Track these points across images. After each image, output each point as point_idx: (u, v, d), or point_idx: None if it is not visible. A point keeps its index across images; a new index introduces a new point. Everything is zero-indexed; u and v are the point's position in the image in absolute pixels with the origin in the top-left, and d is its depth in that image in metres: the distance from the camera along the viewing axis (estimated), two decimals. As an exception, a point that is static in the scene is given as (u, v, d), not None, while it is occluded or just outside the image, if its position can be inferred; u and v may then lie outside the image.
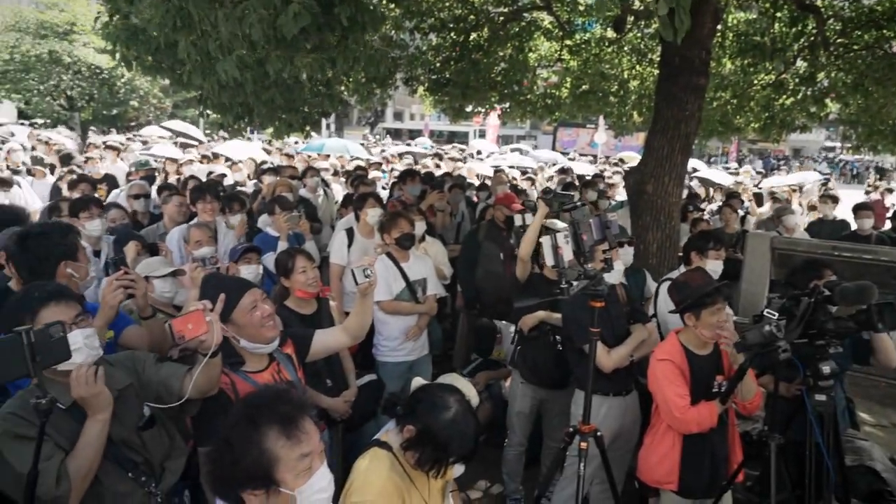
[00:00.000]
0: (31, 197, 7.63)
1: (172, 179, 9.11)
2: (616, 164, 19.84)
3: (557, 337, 4.18)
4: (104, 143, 13.57)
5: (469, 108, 11.03)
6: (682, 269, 4.46)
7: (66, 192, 6.86)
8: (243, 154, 12.67)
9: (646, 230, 6.00)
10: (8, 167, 9.43)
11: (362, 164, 13.17)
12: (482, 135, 36.72)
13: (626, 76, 10.83)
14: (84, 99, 26.11)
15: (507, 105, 11.24)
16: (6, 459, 2.07)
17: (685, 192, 9.08)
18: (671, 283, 3.53)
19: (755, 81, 9.92)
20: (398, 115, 50.12)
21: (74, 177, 7.62)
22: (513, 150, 24.98)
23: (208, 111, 7.50)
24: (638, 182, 6.08)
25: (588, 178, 11.49)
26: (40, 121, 24.37)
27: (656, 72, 7.00)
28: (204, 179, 8.36)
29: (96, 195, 6.39)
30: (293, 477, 1.66)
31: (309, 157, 14.99)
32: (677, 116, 5.82)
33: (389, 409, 2.47)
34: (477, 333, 5.82)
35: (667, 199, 5.95)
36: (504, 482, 4.71)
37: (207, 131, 23.55)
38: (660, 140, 5.92)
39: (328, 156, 15.36)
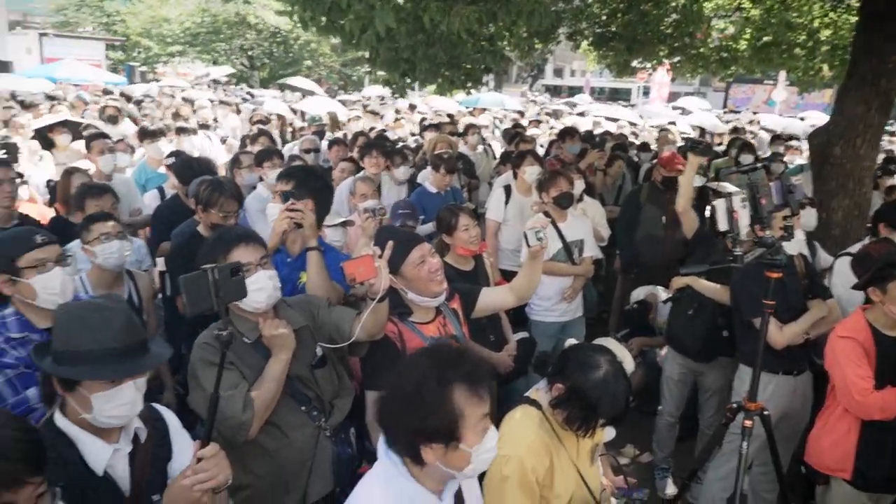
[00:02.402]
0: (218, 150, 8.37)
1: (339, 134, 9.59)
2: (751, 123, 17.82)
3: (695, 305, 4.02)
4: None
5: (635, 64, 10.51)
6: (867, 241, 4.03)
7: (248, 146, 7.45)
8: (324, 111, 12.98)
9: (830, 197, 5.47)
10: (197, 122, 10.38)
11: (519, 119, 13.06)
12: (646, 92, 34.94)
13: (816, 25, 9.75)
14: (263, 59, 27.93)
15: (677, 59, 10.57)
16: (200, 383, 2.33)
17: (880, 157, 8.12)
18: (853, 257, 3.20)
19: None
20: (558, 72, 48.94)
21: (255, 130, 8.23)
22: (675, 108, 23.42)
23: (375, 69, 7.74)
24: (823, 144, 5.53)
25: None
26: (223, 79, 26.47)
27: (854, 19, 6.25)
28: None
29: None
30: (473, 435, 1.70)
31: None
32: (877, 70, 5.18)
33: (540, 367, 2.47)
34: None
35: (858, 162, 5.36)
36: (653, 451, 4.60)
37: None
38: (853, 97, 5.32)
39: (484, 110, 15.37)
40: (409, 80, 7.52)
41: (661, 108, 22.93)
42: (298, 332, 2.48)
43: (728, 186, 3.53)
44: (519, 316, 4.81)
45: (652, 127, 15.36)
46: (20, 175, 4.72)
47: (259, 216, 4.63)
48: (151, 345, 1.88)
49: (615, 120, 15.46)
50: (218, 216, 3.73)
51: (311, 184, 3.21)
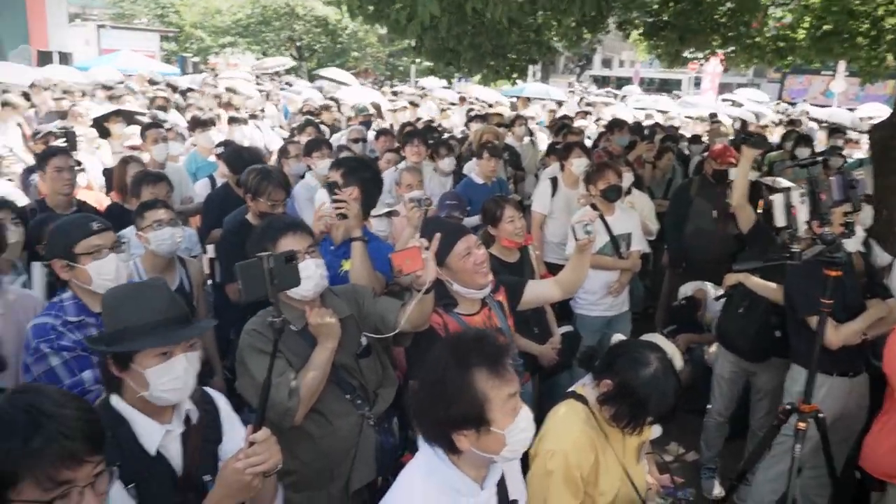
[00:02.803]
0: (269, 138, 8.50)
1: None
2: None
3: (746, 303, 3.92)
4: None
5: (687, 54, 10.23)
6: None
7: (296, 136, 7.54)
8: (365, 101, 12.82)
9: (892, 193, 5.23)
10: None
11: (557, 110, 12.88)
12: (698, 83, 34.14)
13: (880, 13, 9.33)
14: (311, 49, 28.20)
15: (731, 49, 10.24)
16: (248, 369, 2.37)
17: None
18: None
19: None
20: (606, 62, 48.17)
21: (303, 121, 8.33)
22: (725, 100, 22.69)
23: (420, 58, 7.74)
24: (886, 138, 5.29)
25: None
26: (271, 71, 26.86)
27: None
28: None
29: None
30: (502, 416, 1.69)
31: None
32: (946, 60, 4.92)
33: (586, 362, 2.44)
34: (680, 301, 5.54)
35: (924, 157, 5.12)
36: (700, 450, 4.51)
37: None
38: (921, 88, 5.06)
39: (528, 99, 15.21)
40: (453, 70, 7.49)
41: (703, 98, 22.10)
42: (344, 322, 2.50)
43: (783, 181, 3.42)
44: (564, 309, 4.76)
45: (687, 118, 14.88)
46: (79, 163, 4.87)
47: (307, 205, 4.69)
48: (195, 321, 1.95)
49: (664, 112, 15.06)
50: (266, 204, 3.78)
51: (359, 174, 3.23)
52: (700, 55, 10.65)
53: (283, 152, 5.63)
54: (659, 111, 15.43)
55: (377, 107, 11.26)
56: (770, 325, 3.89)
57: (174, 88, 13.71)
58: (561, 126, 8.27)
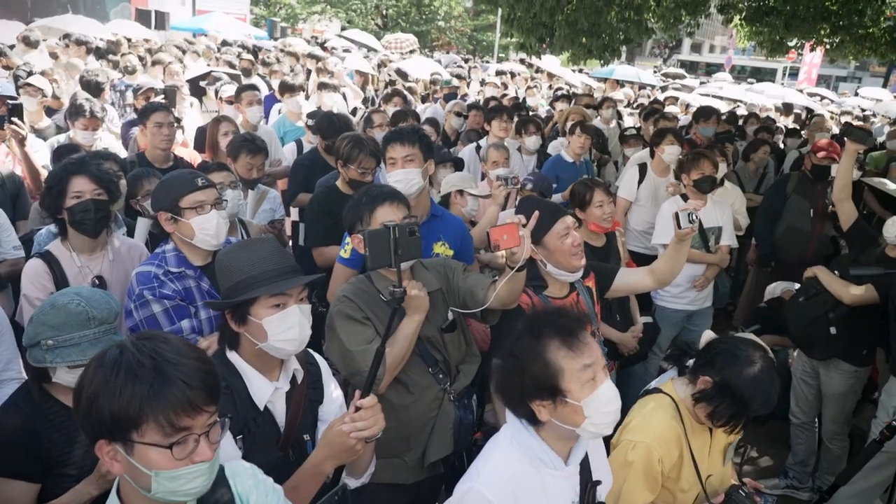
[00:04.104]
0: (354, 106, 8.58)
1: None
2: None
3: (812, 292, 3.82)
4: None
5: (791, 42, 9.72)
6: None
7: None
8: (425, 72, 12.68)
9: None
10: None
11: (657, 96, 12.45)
12: (794, 74, 32.46)
13: None
14: (397, 19, 28.23)
15: (839, 39, 9.68)
16: (337, 334, 2.41)
17: None
18: None
19: None
20: (696, 47, 46.40)
21: (389, 91, 8.35)
22: (812, 95, 21.11)
23: (511, 32, 7.62)
24: None
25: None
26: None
27: None
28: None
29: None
30: (578, 387, 1.69)
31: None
32: None
33: (678, 358, 2.37)
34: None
35: None
36: (791, 457, 4.34)
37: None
38: None
39: (618, 82, 14.78)
40: (544, 45, 7.34)
41: (771, 87, 20.21)
42: (432, 295, 2.50)
43: (889, 184, 3.22)
44: (643, 299, 4.65)
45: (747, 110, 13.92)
46: (178, 120, 5.03)
47: (392, 175, 4.71)
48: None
49: (735, 100, 13.99)
50: (356, 172, 3.81)
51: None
52: (805, 43, 10.12)
53: (368, 121, 5.66)
54: (718, 97, 14.41)
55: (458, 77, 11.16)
56: (826, 319, 3.76)
57: (249, 50, 13.83)
58: (651, 111, 8.01)
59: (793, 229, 5.35)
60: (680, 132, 5.77)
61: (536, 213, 2.30)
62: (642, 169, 5.34)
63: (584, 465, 1.86)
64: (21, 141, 4.07)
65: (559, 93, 9.92)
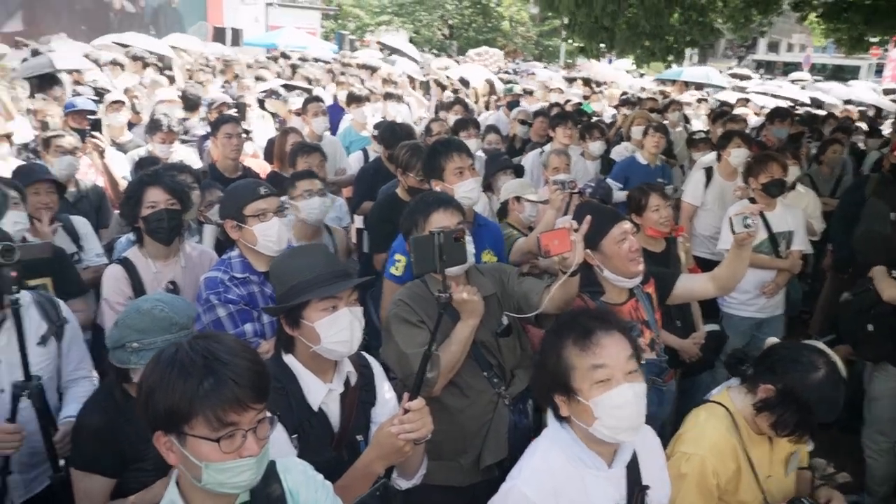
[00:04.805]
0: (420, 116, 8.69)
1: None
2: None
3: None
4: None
5: (873, 39, 9.25)
6: None
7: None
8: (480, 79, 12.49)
9: None
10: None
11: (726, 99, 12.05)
12: (879, 71, 30.83)
13: None
14: (462, 27, 28.41)
15: (927, 34, 9.17)
16: (394, 339, 2.46)
17: None
18: None
19: None
20: (773, 46, 44.69)
21: (452, 98, 8.43)
22: (888, 92, 19.20)
23: (572, 37, 7.57)
24: None
25: None
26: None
27: None
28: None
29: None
30: (588, 387, 1.71)
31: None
32: None
33: (735, 366, 2.31)
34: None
35: None
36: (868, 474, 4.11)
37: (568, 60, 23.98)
38: None
39: (686, 84, 14.40)
40: (605, 50, 7.26)
41: (834, 85, 18.54)
42: (486, 300, 2.52)
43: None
44: (710, 307, 4.53)
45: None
46: (247, 131, 5.25)
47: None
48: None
49: (792, 100, 13.20)
50: (415, 180, 3.88)
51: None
52: (888, 39, 9.62)
53: (427, 130, 5.73)
54: (775, 96, 13.60)
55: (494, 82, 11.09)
56: (867, 315, 3.64)
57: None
58: (720, 114, 7.79)
59: (872, 234, 5.08)
60: (747, 134, 5.60)
61: (589, 217, 2.29)
62: (709, 173, 5.22)
63: (633, 469, 1.84)
64: (101, 153, 4.33)
65: (624, 97, 9.80)
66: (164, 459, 1.43)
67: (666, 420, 3.25)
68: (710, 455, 2.12)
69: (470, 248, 2.46)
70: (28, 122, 5.86)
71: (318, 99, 6.25)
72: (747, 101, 11.79)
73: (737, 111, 9.11)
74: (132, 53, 10.12)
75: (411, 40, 30.94)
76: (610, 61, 25.04)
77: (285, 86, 8.39)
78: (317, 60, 14.09)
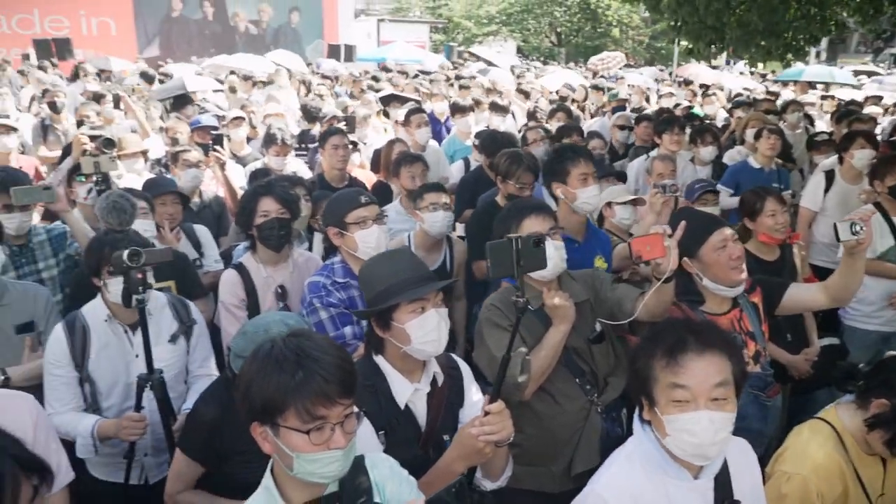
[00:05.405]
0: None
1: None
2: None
3: None
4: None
5: None
6: None
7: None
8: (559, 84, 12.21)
9: None
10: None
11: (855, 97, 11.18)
12: None
13: None
14: (571, 34, 28.13)
15: None
16: (484, 341, 2.50)
17: None
18: None
19: None
20: (915, 38, 41.08)
21: (554, 107, 8.38)
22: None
23: (680, 39, 7.31)
24: None
25: None
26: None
27: None
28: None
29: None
30: (665, 402, 1.68)
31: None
32: None
33: (844, 380, 2.17)
34: None
35: None
36: None
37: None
38: None
39: (810, 84, 13.49)
40: (715, 49, 6.94)
41: None
42: (579, 306, 2.52)
43: None
44: (830, 319, 4.25)
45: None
46: (354, 143, 5.47)
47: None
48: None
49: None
50: (514, 187, 3.91)
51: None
52: None
53: (522, 139, 5.73)
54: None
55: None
56: None
57: (406, 75, 14.37)
58: (845, 113, 7.26)
59: None
60: (873, 135, 5.21)
61: (683, 223, 2.23)
62: (829, 176, 4.91)
63: (723, 482, 1.78)
64: (222, 166, 4.66)
65: (738, 99, 9.33)
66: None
67: (773, 437, 3.09)
68: (814, 475, 2.02)
69: (559, 252, 2.47)
70: (161, 139, 6.40)
71: (421, 110, 6.42)
72: (880, 98, 10.94)
73: (866, 110, 8.49)
74: (243, 73, 10.80)
75: (519, 49, 31.00)
76: (728, 62, 23.96)
77: (394, 96, 8.65)
78: (419, 73, 14.42)
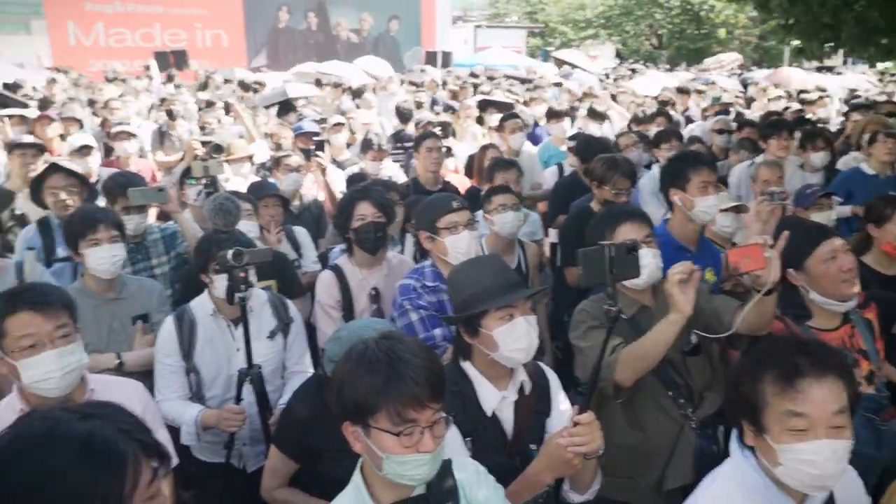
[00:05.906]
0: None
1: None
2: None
3: None
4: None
5: None
6: None
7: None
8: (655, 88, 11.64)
9: None
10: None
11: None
12: None
13: None
14: (673, 36, 27.31)
15: None
16: (580, 346, 2.45)
17: None
18: None
19: None
20: None
21: (654, 111, 8.15)
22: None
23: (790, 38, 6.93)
24: None
25: None
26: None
27: None
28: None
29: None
30: (779, 430, 1.55)
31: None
32: None
33: None
34: None
35: None
36: None
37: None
38: None
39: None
40: (829, 48, 6.52)
41: None
42: None
43: None
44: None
45: None
46: (448, 148, 5.53)
47: (651, 198, 4.62)
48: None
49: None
50: (610, 193, 3.83)
51: None
52: None
53: (615, 145, 5.60)
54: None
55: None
56: None
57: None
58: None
59: None
60: None
61: (787, 232, 2.11)
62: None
63: None
64: (323, 171, 4.83)
65: (855, 101, 8.70)
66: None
67: (888, 464, 2.87)
68: None
69: (656, 260, 2.40)
70: (266, 144, 6.70)
71: (515, 115, 6.39)
72: None
73: None
74: (333, 81, 11.18)
75: (618, 53, 30.36)
76: (845, 62, 22.51)
77: (490, 102, 8.66)
78: (508, 78, 14.43)
